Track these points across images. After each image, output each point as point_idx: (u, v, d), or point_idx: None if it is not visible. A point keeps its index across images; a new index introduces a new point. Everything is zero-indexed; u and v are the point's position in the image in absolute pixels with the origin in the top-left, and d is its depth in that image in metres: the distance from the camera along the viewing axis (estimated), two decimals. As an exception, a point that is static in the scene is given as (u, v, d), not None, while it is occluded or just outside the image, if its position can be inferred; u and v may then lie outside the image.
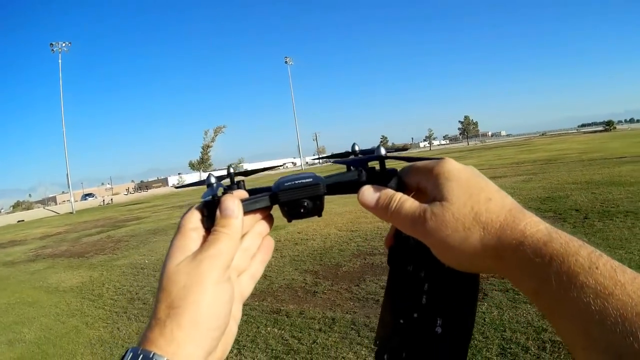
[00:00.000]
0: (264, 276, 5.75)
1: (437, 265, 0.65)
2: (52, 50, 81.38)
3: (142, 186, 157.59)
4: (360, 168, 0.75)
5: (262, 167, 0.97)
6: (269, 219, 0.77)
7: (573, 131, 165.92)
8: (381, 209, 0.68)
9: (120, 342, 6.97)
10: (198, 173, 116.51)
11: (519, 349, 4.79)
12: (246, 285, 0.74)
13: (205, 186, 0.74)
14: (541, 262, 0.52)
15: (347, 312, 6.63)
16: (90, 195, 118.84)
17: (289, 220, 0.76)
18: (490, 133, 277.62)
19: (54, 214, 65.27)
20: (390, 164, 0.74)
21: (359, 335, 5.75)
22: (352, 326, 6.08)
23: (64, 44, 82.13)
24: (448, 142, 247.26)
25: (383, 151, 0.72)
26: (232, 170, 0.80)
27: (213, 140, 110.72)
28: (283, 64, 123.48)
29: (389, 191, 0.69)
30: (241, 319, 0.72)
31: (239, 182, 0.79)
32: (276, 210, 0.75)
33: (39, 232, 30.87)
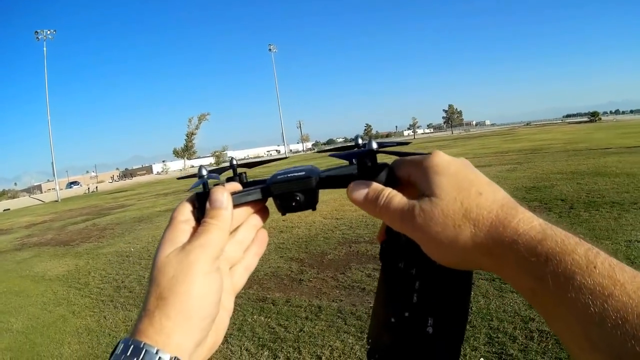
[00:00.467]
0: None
1: (429, 262, 0.64)
2: (37, 38, 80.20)
3: (127, 174, 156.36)
4: (351, 162, 0.75)
5: (265, 159, 0.98)
6: (264, 211, 0.78)
7: (558, 122, 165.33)
8: (369, 204, 0.67)
9: (107, 330, 6.98)
10: (182, 160, 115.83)
11: (506, 338, 4.81)
12: (239, 277, 0.75)
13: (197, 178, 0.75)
14: (537, 262, 0.51)
15: (333, 300, 6.65)
16: (75, 183, 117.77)
17: (283, 214, 0.76)
18: (474, 122, 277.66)
19: (40, 202, 64.72)
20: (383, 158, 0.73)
21: (345, 324, 5.78)
22: (338, 314, 6.11)
23: (49, 32, 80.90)
24: (432, 130, 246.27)
25: (375, 145, 0.70)
26: (234, 162, 0.82)
27: (197, 127, 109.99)
28: (267, 51, 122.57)
29: (378, 186, 0.68)
30: None
31: (240, 174, 0.80)
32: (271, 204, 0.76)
33: (24, 221, 30.61)
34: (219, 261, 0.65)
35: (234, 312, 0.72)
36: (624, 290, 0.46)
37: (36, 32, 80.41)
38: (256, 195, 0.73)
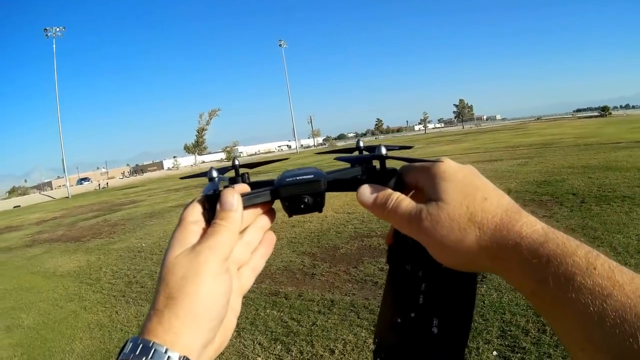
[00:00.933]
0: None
1: (435, 265, 0.66)
2: (47, 35, 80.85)
3: (138, 170, 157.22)
4: (361, 166, 0.75)
5: (266, 160, 0.97)
6: (271, 213, 0.78)
7: (568, 116, 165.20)
8: (378, 208, 0.69)
9: (119, 325, 7.00)
10: (193, 156, 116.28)
11: (519, 331, 4.80)
12: (247, 279, 0.75)
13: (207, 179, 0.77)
14: (538, 263, 0.52)
15: (345, 294, 6.65)
16: (85, 179, 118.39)
17: (290, 215, 0.76)
18: (485, 117, 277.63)
19: (50, 199, 65.11)
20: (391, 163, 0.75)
21: (358, 317, 5.78)
22: (351, 308, 6.11)
23: (58, 29, 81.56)
24: (443, 125, 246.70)
25: (384, 150, 0.73)
26: (237, 163, 0.82)
27: (208, 123, 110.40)
28: (277, 47, 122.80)
29: (387, 190, 0.69)
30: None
31: (243, 174, 0.81)
32: (277, 203, 0.76)
33: (35, 218, 30.83)
34: (228, 262, 0.66)
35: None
36: (623, 291, 0.47)
37: (45, 29, 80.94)
38: (265, 197, 0.73)
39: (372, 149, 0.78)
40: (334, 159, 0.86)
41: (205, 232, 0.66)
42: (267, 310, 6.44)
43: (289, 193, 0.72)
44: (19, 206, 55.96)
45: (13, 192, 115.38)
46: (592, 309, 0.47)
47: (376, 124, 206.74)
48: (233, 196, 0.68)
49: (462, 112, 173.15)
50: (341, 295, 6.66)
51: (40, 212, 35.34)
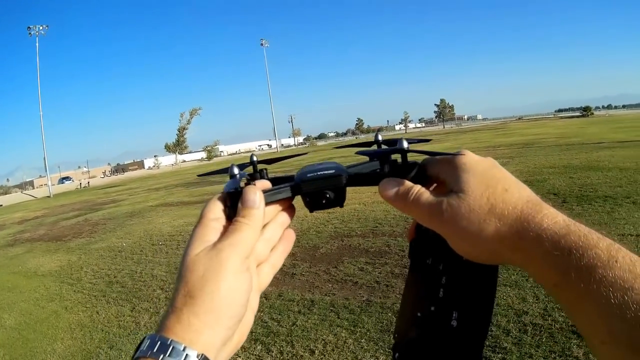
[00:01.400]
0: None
1: (455, 258, 0.66)
2: (30, 33, 79.76)
3: (119, 169, 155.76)
4: (382, 160, 0.76)
5: (284, 155, 0.98)
6: (291, 209, 0.78)
7: (550, 116, 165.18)
8: (400, 201, 0.69)
9: (100, 325, 6.98)
10: (174, 155, 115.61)
11: (500, 331, 4.83)
12: (265, 276, 0.74)
13: (228, 176, 0.74)
14: (560, 255, 0.52)
15: (325, 294, 6.67)
16: (67, 178, 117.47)
17: (311, 211, 0.77)
18: (466, 117, 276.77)
19: (32, 198, 64.43)
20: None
21: (338, 317, 5.80)
22: (331, 308, 6.13)
23: (41, 27, 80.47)
24: (424, 125, 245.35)
25: (406, 144, 0.72)
26: (254, 159, 0.81)
27: (189, 122, 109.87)
28: (259, 46, 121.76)
29: (408, 183, 0.69)
30: None
31: (261, 170, 0.80)
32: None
33: (17, 217, 30.49)
34: (249, 261, 0.66)
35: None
36: None
37: (29, 27, 79.95)
38: (286, 193, 0.73)
39: (392, 142, 0.79)
40: (356, 153, 0.84)
41: (226, 229, 0.66)
42: (248, 310, 6.39)
43: (310, 189, 0.73)
44: (1, 205, 55.33)
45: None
46: (613, 301, 0.47)
47: (357, 124, 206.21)
48: (255, 193, 0.68)
49: (443, 112, 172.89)
50: (321, 295, 6.68)
51: (22, 211, 34.99)
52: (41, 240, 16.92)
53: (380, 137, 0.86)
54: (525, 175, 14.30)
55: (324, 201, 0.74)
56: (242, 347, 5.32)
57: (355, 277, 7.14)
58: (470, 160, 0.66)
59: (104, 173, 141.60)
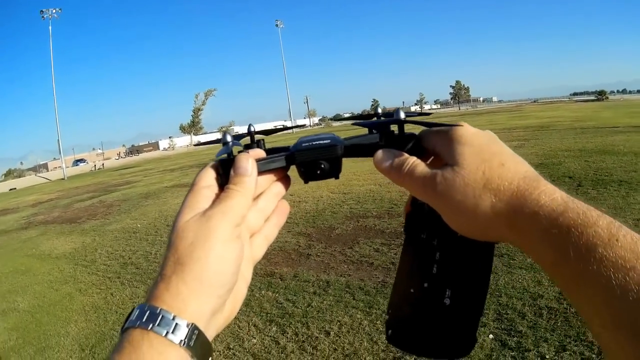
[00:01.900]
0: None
1: (450, 234, 0.64)
2: (43, 17, 79.88)
3: (133, 150, 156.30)
4: (379, 131, 0.74)
5: (283, 127, 0.95)
6: (286, 180, 0.77)
7: (565, 99, 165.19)
8: (394, 172, 0.67)
9: (114, 307, 6.98)
10: (189, 136, 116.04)
11: (515, 314, 4.78)
12: (258, 247, 0.74)
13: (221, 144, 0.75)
14: (558, 234, 0.50)
15: (341, 275, 6.64)
16: (81, 160, 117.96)
17: (306, 182, 0.75)
18: (481, 99, 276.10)
19: (46, 180, 64.96)
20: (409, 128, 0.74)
21: (353, 299, 5.77)
22: (346, 289, 6.10)
23: (54, 10, 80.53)
24: (439, 106, 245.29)
25: (402, 115, 0.71)
26: (252, 129, 0.80)
27: (204, 103, 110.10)
28: (274, 27, 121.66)
29: (403, 155, 0.68)
30: None
31: (258, 140, 0.79)
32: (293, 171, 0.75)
33: (31, 200, 30.69)
34: (240, 229, 0.65)
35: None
36: None
37: (41, 11, 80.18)
38: (280, 162, 0.72)
39: (391, 115, 0.76)
40: (352, 124, 0.86)
41: (217, 197, 0.65)
42: (262, 292, 6.43)
43: (304, 158, 0.72)
44: (15, 188, 55.76)
45: (9, 174, 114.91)
46: (614, 282, 0.45)
47: (372, 104, 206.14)
48: (247, 161, 0.67)
49: (459, 94, 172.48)
50: (336, 276, 6.64)
51: (36, 194, 35.22)
52: (55, 222, 16.98)
53: (380, 111, 0.83)
54: (541, 157, 14.22)
55: (318, 172, 0.73)
56: (257, 328, 5.35)
57: (371, 258, 7.10)
58: (467, 132, 0.65)
59: (119, 155, 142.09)
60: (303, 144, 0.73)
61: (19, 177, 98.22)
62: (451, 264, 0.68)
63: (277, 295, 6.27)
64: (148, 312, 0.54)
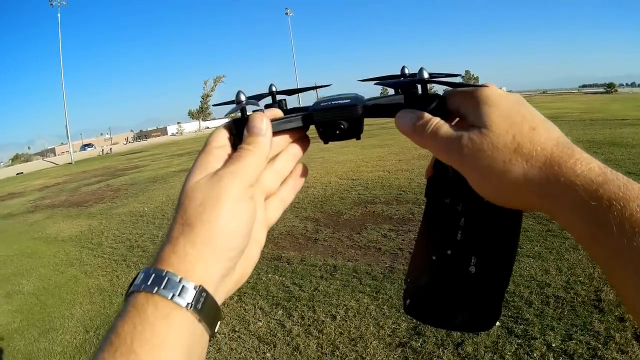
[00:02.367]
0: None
1: (476, 199, 0.61)
2: (52, 4, 79.99)
3: (141, 135, 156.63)
4: (403, 91, 0.70)
5: (307, 87, 0.89)
6: (304, 140, 0.75)
7: (574, 91, 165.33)
8: (416, 133, 0.64)
9: (120, 290, 6.99)
10: (197, 122, 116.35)
11: (522, 302, 4.77)
12: (274, 210, 0.72)
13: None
14: (598, 206, 0.47)
15: (348, 260, 6.64)
16: (89, 145, 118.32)
17: (325, 142, 0.72)
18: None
19: (53, 165, 65.22)
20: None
21: (360, 283, 5.76)
22: (353, 274, 6.09)
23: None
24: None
25: (426, 74, 0.65)
26: (274, 89, 0.78)
27: (212, 89, 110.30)
28: (283, 15, 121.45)
29: (427, 115, 0.64)
30: None
31: (280, 101, 0.77)
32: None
33: (37, 184, 30.84)
34: (252, 189, 0.62)
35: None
36: None
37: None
38: (297, 122, 0.70)
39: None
40: (374, 84, 0.80)
41: (230, 157, 0.63)
42: (269, 275, 6.45)
43: (323, 118, 0.69)
44: (22, 173, 56.01)
45: (16, 159, 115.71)
46: None
47: (381, 92, 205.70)
48: (262, 120, 0.65)
49: (468, 84, 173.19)
50: (344, 260, 6.64)
51: (43, 178, 35.39)
52: (62, 206, 17.06)
53: (407, 71, 0.78)
54: (550, 149, 13.96)
55: (337, 132, 0.70)
56: (263, 311, 5.37)
57: (378, 244, 7.10)
58: (494, 93, 0.60)
59: (127, 139, 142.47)
60: (322, 104, 0.70)
61: (27, 161, 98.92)
62: (477, 230, 0.65)
63: (283, 278, 6.27)
64: (153, 275, 0.52)
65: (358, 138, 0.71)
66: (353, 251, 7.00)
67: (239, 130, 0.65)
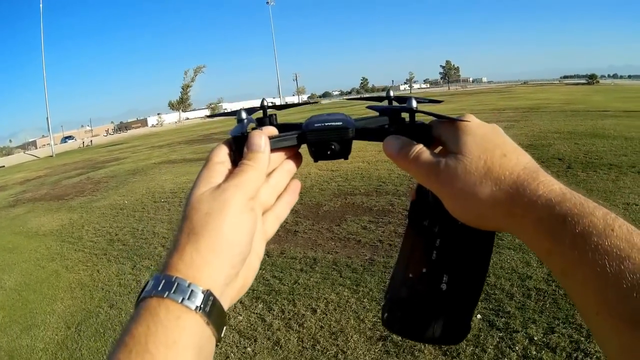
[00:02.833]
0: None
1: (451, 222, 0.67)
2: (33, -6, 79.34)
3: (122, 127, 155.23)
4: (388, 116, 0.76)
5: (296, 102, 0.94)
6: (297, 157, 0.79)
7: (555, 82, 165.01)
8: (401, 158, 0.70)
9: (100, 284, 6.98)
10: (177, 113, 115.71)
11: (503, 295, 4.82)
12: (270, 225, 0.76)
13: (235, 120, 0.76)
14: (554, 222, 0.52)
15: (328, 252, 6.67)
16: (70, 137, 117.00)
17: (315, 161, 0.77)
18: (471, 79, 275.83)
19: (35, 158, 64.50)
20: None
21: (340, 276, 5.80)
22: (333, 266, 6.13)
23: (44, -12, 79.91)
24: (429, 86, 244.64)
25: (415, 104, 0.73)
26: (265, 103, 0.81)
27: (193, 80, 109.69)
28: (264, 4, 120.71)
29: (411, 142, 0.70)
30: None
31: (270, 115, 0.80)
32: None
33: (19, 177, 30.44)
34: (253, 202, 0.67)
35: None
36: None
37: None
38: (292, 141, 0.74)
39: (403, 99, 0.79)
40: (366, 107, 0.86)
41: (231, 172, 0.67)
42: (249, 269, 6.38)
43: (316, 138, 0.73)
44: (4, 166, 55.33)
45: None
46: (608, 270, 0.46)
47: (361, 83, 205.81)
48: (261, 137, 0.69)
49: (449, 74, 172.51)
50: (324, 253, 6.67)
51: (25, 172, 35.00)
52: (43, 199, 16.87)
53: (392, 94, 0.85)
54: (531, 139, 14.22)
55: (328, 152, 0.74)
56: (244, 305, 5.37)
57: (358, 236, 7.14)
58: (472, 123, 0.67)
59: (107, 131, 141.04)
60: (315, 124, 0.74)
61: (8, 154, 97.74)
62: (450, 250, 0.70)
63: (263, 272, 6.27)
64: (163, 281, 0.55)
65: (346, 158, 0.75)
66: (333, 243, 7.02)
67: (238, 147, 0.70)
